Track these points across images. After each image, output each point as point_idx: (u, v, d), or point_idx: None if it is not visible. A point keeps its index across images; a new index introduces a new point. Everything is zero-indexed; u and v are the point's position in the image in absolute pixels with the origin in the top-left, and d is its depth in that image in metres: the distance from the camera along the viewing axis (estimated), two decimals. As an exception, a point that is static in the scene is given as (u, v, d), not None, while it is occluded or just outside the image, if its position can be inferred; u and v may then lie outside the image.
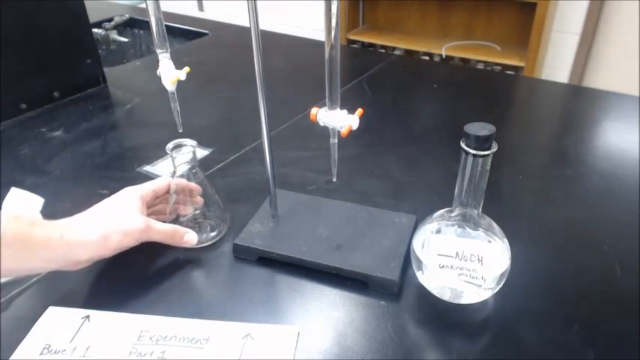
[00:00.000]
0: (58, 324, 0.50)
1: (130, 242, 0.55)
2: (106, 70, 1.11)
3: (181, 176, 0.61)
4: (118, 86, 1.12)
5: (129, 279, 0.58)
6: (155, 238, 0.56)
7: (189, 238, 0.59)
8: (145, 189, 0.60)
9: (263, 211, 0.65)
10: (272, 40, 1.38)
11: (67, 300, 0.54)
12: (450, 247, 0.51)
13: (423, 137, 0.91)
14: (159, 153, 0.82)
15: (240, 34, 1.47)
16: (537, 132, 0.96)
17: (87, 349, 0.47)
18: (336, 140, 0.51)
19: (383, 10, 2.55)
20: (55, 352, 0.47)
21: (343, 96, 0.48)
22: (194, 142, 0.60)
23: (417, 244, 0.54)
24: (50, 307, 0.52)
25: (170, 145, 0.59)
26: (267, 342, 0.48)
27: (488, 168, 0.47)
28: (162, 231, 0.57)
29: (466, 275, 0.50)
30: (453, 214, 0.52)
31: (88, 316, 0.51)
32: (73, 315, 0.51)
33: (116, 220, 0.54)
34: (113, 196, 0.58)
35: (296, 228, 0.62)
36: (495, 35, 2.30)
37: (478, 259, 0.50)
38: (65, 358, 0.46)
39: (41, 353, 0.47)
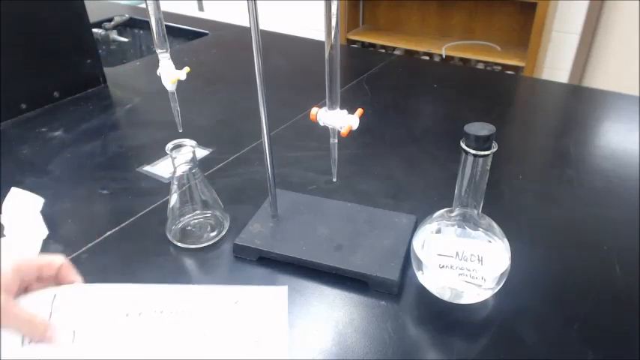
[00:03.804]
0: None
1: None
2: (106, 70, 1.11)
3: (181, 176, 0.61)
4: (118, 86, 1.12)
5: (126, 280, 0.58)
6: (9, 326, 0.41)
7: (53, 335, 0.42)
8: (26, 259, 0.44)
9: (263, 211, 0.65)
10: (272, 40, 1.38)
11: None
12: (450, 247, 0.51)
13: (423, 137, 0.91)
14: (159, 153, 0.82)
15: (240, 34, 1.47)
16: (537, 132, 0.96)
17: (73, 333, 0.43)
18: (336, 140, 0.51)
19: (383, 10, 2.55)
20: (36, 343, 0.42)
21: (343, 96, 0.48)
22: (194, 142, 0.60)
23: (417, 244, 0.54)
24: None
25: (170, 145, 0.59)
26: (258, 304, 0.46)
27: (488, 168, 0.47)
28: (22, 319, 0.41)
29: (466, 275, 0.50)
30: (453, 214, 0.52)
31: (55, 295, 0.44)
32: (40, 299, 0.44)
33: None
34: None
35: (296, 228, 0.62)
36: (495, 35, 2.30)
37: (478, 259, 0.50)
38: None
39: (22, 344, 0.42)
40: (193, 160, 0.61)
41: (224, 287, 0.47)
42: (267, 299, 0.46)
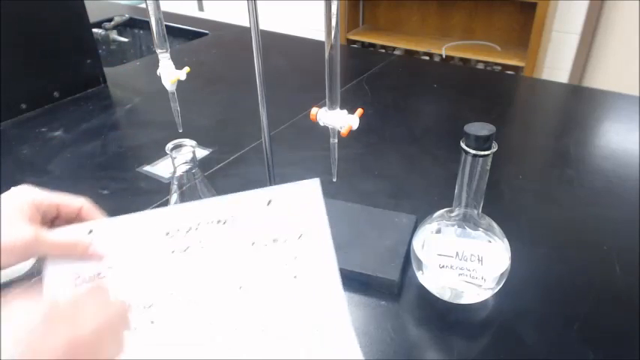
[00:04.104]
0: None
1: (11, 260, 0.38)
2: (106, 70, 1.11)
3: (181, 176, 0.61)
4: (118, 86, 1.12)
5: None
6: (50, 254, 0.41)
7: (97, 251, 0.42)
8: (44, 195, 0.41)
9: (263, 211, 0.65)
10: (272, 40, 1.38)
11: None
12: (450, 247, 0.51)
13: (423, 137, 0.91)
14: (159, 153, 0.82)
15: (240, 34, 1.47)
16: (537, 132, 0.96)
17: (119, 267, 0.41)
18: (336, 140, 0.51)
19: (383, 10, 2.55)
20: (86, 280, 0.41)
21: (343, 96, 0.48)
22: (194, 142, 0.60)
23: (417, 244, 0.54)
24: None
25: (170, 145, 0.59)
26: (294, 200, 0.46)
27: (488, 168, 0.47)
28: (59, 244, 0.40)
29: (466, 275, 0.50)
30: (453, 214, 0.52)
31: (91, 230, 0.43)
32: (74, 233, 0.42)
33: None
34: None
35: (296, 228, 0.62)
36: (495, 35, 2.30)
37: (478, 259, 0.50)
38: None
39: (75, 284, 0.41)
40: (193, 160, 0.61)
41: (253, 191, 0.45)
42: (301, 194, 0.46)
